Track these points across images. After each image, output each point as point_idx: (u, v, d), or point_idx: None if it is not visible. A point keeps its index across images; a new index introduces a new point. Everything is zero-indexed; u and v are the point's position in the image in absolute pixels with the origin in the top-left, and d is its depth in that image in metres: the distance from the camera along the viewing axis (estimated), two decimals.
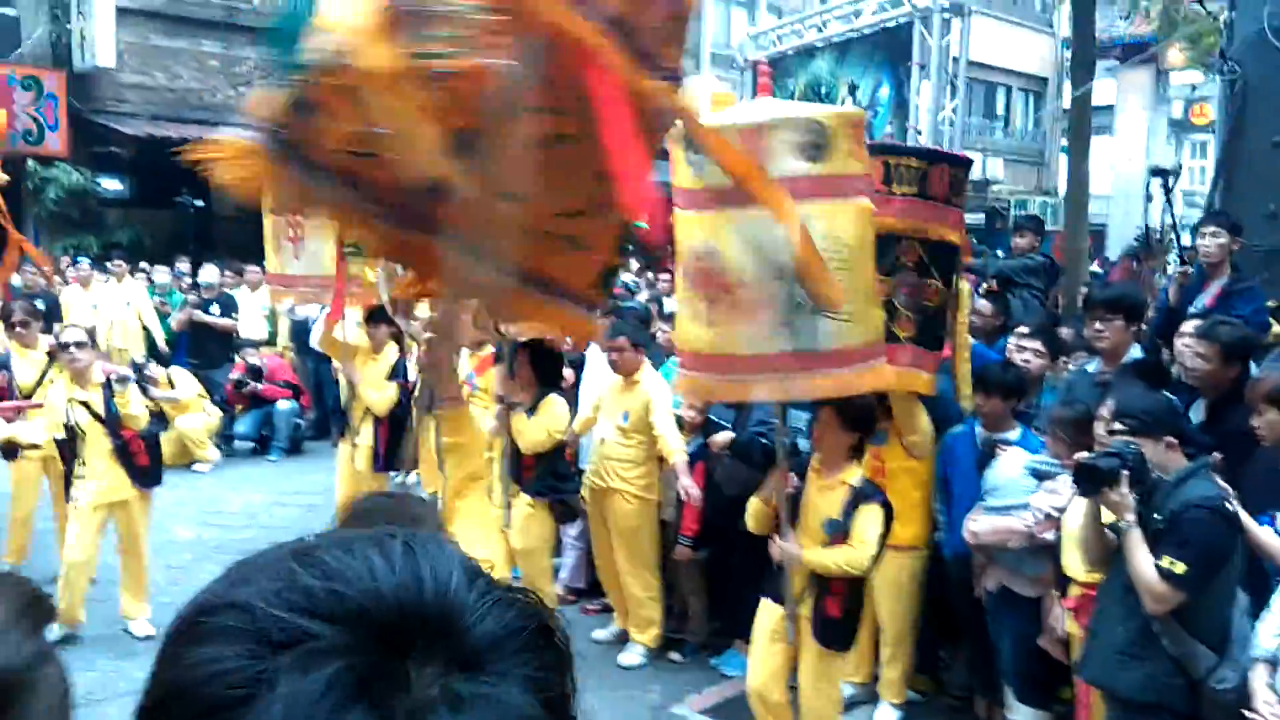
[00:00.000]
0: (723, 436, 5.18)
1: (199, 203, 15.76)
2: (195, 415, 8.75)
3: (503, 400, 5.30)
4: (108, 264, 11.02)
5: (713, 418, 5.35)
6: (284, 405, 9.43)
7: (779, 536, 4.01)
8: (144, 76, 14.78)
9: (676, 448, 5.24)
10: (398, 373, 6.91)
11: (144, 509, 5.75)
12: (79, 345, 5.49)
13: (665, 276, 10.34)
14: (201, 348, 9.74)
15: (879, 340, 3.75)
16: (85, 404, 5.48)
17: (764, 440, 5.00)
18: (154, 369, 8.53)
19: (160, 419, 8.83)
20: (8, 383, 6.21)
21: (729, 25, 21.78)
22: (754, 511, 4.24)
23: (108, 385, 5.52)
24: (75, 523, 5.50)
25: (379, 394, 6.72)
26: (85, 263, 10.95)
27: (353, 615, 0.54)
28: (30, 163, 13.69)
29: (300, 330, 9.86)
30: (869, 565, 3.91)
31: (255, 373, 9.38)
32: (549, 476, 5.34)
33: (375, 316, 7.02)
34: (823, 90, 9.29)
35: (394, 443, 6.91)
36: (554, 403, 5.29)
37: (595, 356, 6.50)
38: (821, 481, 4.07)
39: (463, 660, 0.54)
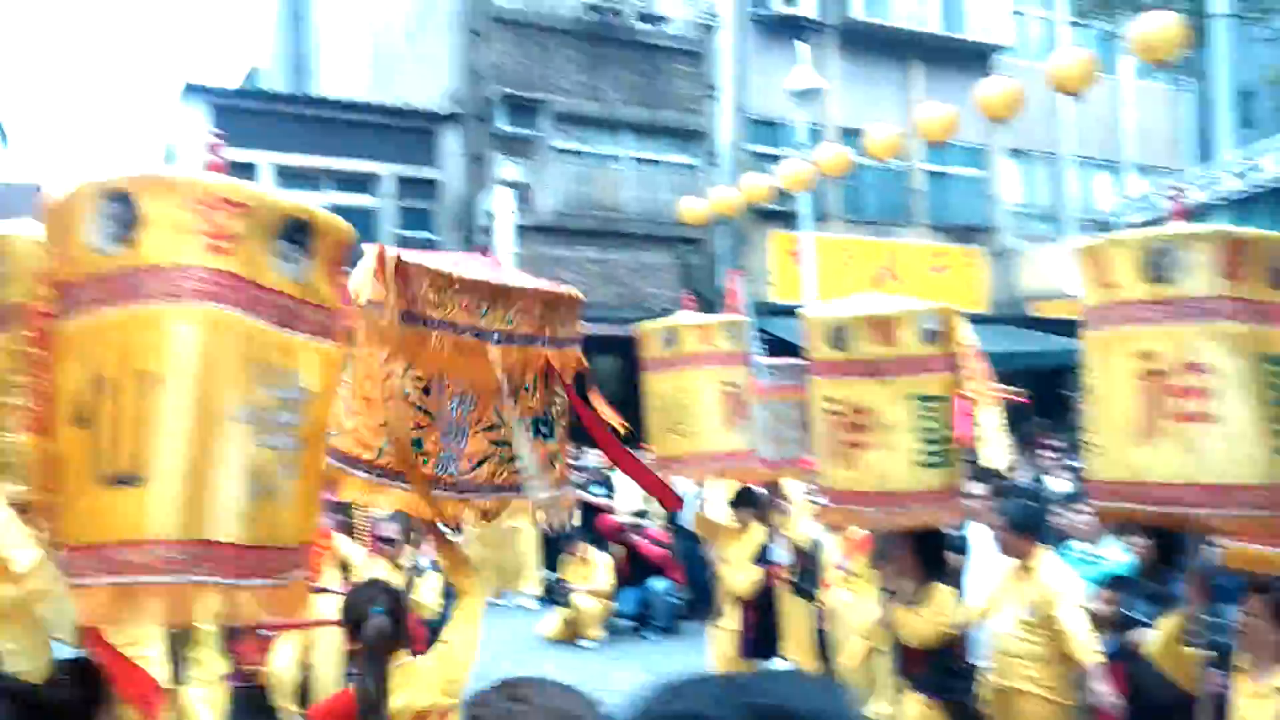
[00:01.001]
0: (1146, 634, 4.61)
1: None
2: (594, 598, 9.19)
3: (885, 590, 5.08)
4: None
5: (1128, 613, 4.81)
6: (660, 584, 9.71)
7: None
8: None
9: (1087, 648, 4.69)
10: (763, 556, 6.86)
11: None
12: (388, 540, 6.25)
13: (1048, 454, 9.70)
14: (586, 527, 10.35)
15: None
16: None
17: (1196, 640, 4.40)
18: (580, 547, 9.12)
19: (550, 596, 9.39)
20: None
21: (1090, 189, 20.91)
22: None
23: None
24: None
25: (742, 576, 6.70)
26: None
27: None
28: None
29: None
30: None
31: (635, 529, 9.79)
32: (942, 674, 4.94)
33: (743, 498, 7.09)
34: None
35: (760, 627, 6.79)
36: (941, 593, 4.90)
37: (981, 538, 6.13)
38: (1251, 687, 3.52)
39: None
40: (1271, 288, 3.31)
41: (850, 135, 13.97)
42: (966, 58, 18.69)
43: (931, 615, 4.84)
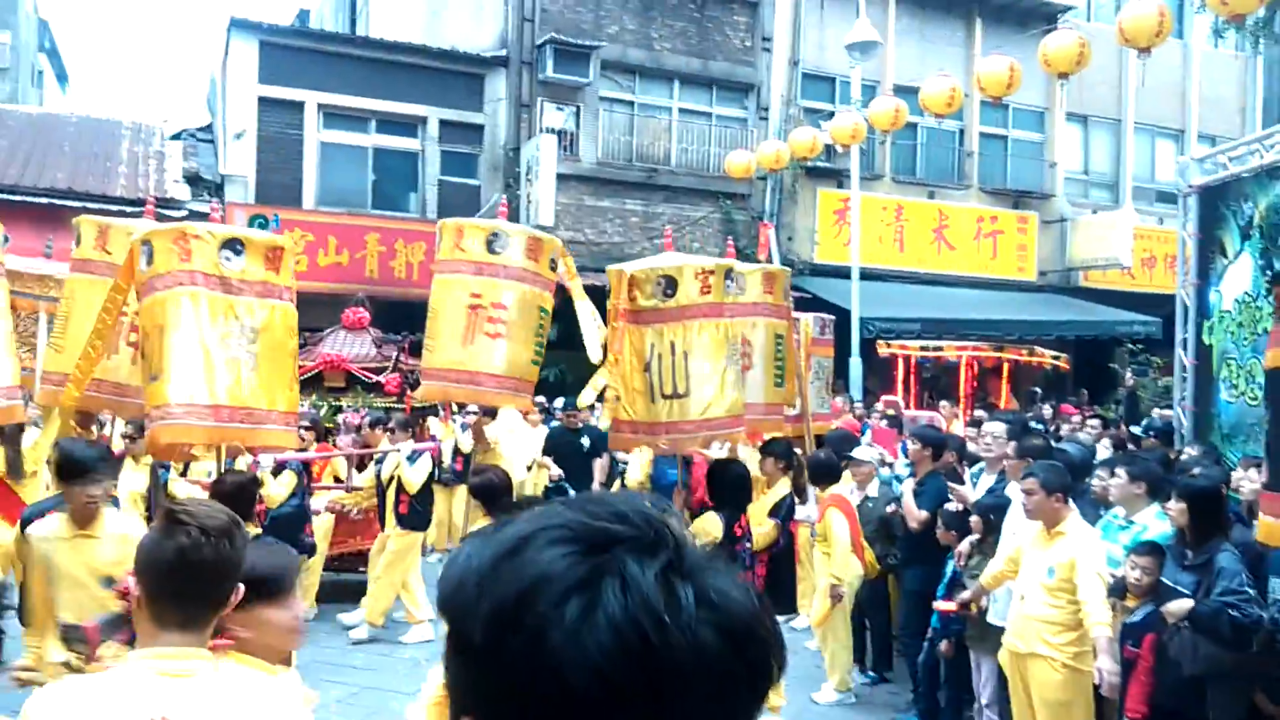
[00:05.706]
0: (1180, 605, 4.39)
1: None
2: None
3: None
4: None
5: (1166, 581, 4.61)
6: None
7: None
8: (576, 233, 16.46)
9: (1098, 619, 4.46)
10: (780, 510, 6.68)
11: None
12: None
13: (1091, 421, 9.41)
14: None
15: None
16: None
17: (1233, 613, 4.21)
18: None
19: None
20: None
21: (1153, 158, 20.28)
22: None
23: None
24: None
25: (758, 530, 6.52)
26: None
27: (642, 525, 0.73)
28: None
29: None
30: None
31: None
32: None
33: (771, 449, 6.85)
34: None
35: (772, 582, 6.53)
36: (703, 521, 5.17)
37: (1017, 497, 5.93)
38: None
39: (690, 559, 0.73)
40: (550, 268, 5.87)
41: (906, 93, 13.58)
42: (1032, 17, 18.09)
43: None
